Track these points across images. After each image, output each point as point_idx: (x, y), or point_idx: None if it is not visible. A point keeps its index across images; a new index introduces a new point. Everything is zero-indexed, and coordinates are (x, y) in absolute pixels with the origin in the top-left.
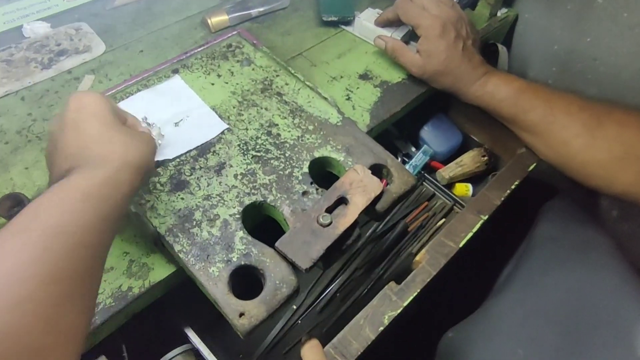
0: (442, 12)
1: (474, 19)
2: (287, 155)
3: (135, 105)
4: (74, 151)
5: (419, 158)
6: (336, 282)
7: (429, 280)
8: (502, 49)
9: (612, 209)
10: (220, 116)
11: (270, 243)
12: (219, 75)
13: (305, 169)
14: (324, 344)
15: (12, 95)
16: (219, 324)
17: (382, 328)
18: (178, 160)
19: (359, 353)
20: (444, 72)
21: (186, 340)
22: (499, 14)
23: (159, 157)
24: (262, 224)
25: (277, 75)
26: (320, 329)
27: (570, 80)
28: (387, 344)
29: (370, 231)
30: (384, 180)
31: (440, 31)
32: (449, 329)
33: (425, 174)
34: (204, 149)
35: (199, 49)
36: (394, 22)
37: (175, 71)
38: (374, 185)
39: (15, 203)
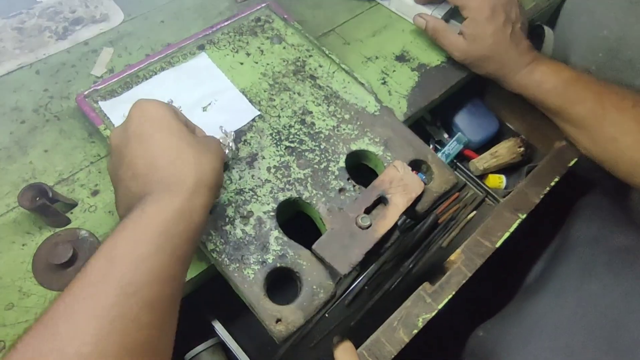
0: None
1: None
2: (322, 147)
3: (160, 86)
4: (143, 170)
5: (452, 146)
6: (364, 275)
7: (464, 282)
8: (548, 31)
9: None
10: (250, 101)
11: (301, 239)
12: (247, 54)
13: (342, 163)
14: (351, 338)
15: (26, 69)
16: (244, 314)
17: (416, 331)
18: None
19: (393, 356)
20: (489, 57)
21: (213, 332)
22: None
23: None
24: (292, 217)
25: (310, 56)
26: (348, 322)
27: (617, 69)
28: (414, 340)
29: (399, 222)
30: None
31: (489, 14)
32: (479, 327)
33: (457, 163)
34: (234, 137)
35: (226, 23)
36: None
37: (201, 47)
38: (415, 185)
39: (38, 193)
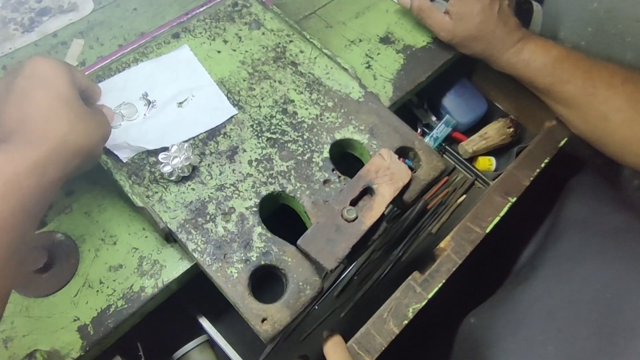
0: None
1: None
2: (305, 137)
3: (135, 79)
4: (12, 123)
5: (440, 129)
6: (353, 265)
7: (454, 269)
8: (536, 7)
9: (633, 179)
10: (229, 90)
11: (286, 233)
12: (225, 41)
13: (326, 154)
14: (342, 330)
15: None
16: (231, 309)
17: (406, 322)
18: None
19: (383, 348)
20: (476, 37)
21: (200, 329)
22: None
23: (157, 145)
24: (276, 211)
25: (291, 41)
26: (338, 314)
27: (606, 42)
28: (405, 329)
29: (386, 212)
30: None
31: None
32: (470, 313)
33: (446, 146)
34: (213, 131)
35: (202, 9)
36: None
37: (176, 36)
38: (402, 174)
39: None
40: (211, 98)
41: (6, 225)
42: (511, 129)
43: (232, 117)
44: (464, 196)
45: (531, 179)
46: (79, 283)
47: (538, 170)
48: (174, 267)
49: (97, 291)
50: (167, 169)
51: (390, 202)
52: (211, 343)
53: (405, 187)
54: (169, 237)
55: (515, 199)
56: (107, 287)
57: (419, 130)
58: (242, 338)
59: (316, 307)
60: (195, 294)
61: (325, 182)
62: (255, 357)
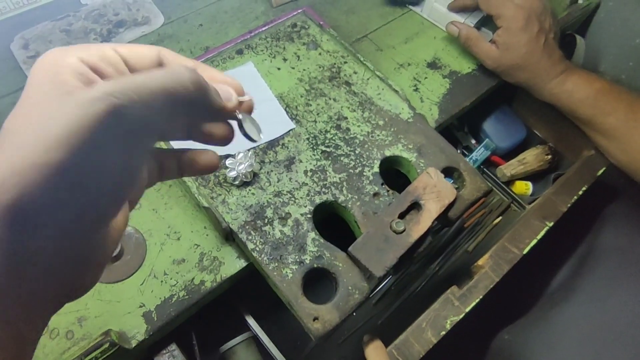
0: (527, 1)
1: (552, 5)
2: (357, 152)
3: None
4: None
5: (480, 152)
6: (391, 275)
7: (491, 286)
8: (580, 40)
9: None
10: (287, 105)
11: (334, 239)
12: (284, 59)
13: (376, 169)
14: (377, 336)
15: None
16: (275, 310)
17: (444, 332)
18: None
19: (421, 356)
20: (521, 66)
21: (246, 326)
22: (580, 0)
23: (222, 151)
24: (325, 220)
25: (345, 62)
26: (375, 321)
27: None
28: (440, 340)
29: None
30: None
31: (524, 23)
32: (503, 330)
33: (484, 169)
34: (272, 142)
35: (263, 28)
36: (468, 7)
37: (240, 52)
38: (448, 192)
39: None
40: (272, 112)
41: None
42: (549, 156)
43: (290, 130)
44: (500, 218)
45: (568, 205)
46: (145, 273)
47: (575, 197)
48: (231, 265)
49: (162, 281)
50: (232, 174)
51: (436, 218)
52: (255, 340)
53: (450, 205)
54: (229, 237)
55: (552, 223)
56: (171, 279)
57: (459, 151)
58: (284, 337)
59: (354, 314)
60: (244, 294)
61: (375, 195)
62: (295, 356)
